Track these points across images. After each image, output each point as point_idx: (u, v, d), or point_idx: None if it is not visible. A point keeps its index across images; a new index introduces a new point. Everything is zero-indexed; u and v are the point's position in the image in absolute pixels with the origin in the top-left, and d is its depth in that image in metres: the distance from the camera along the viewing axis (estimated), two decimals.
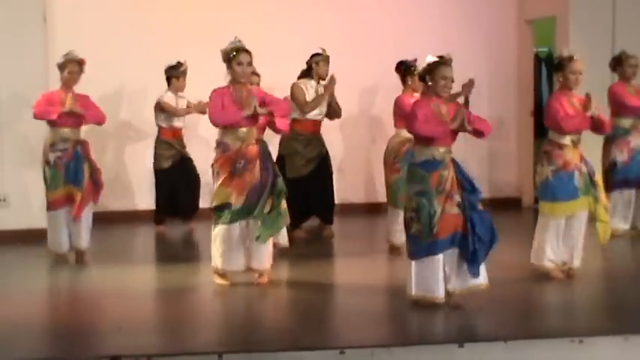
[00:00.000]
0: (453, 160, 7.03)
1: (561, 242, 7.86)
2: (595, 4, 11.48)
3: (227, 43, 7.78)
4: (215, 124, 7.83)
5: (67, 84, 9.10)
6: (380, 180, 9.96)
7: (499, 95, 12.66)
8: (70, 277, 8.78)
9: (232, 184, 7.74)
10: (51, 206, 9.10)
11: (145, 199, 11.81)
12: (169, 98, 10.73)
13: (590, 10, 11.45)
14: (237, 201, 7.75)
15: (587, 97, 7.74)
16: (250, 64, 7.82)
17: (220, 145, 7.83)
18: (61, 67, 9.09)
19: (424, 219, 6.86)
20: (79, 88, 9.19)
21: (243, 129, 7.75)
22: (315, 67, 10.03)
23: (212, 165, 7.89)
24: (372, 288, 7.87)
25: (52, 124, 9.04)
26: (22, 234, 9.89)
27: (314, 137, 10.12)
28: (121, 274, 8.63)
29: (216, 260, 7.88)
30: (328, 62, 10.05)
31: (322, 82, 10.05)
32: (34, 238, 9.68)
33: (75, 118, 9.05)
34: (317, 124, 10.15)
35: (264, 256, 7.89)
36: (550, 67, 13.16)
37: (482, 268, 6.99)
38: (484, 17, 12.54)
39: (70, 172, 9.03)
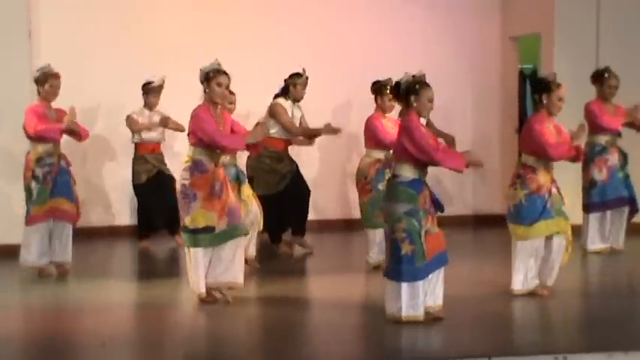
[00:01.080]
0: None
1: (538, 263, 7.88)
2: (579, 21, 11.53)
3: (207, 63, 7.76)
4: (214, 143, 7.65)
5: (48, 98, 9.08)
6: (354, 196, 9.97)
7: (483, 112, 12.68)
8: (54, 293, 8.71)
9: (213, 207, 7.64)
10: (32, 220, 9.04)
11: (124, 214, 11.83)
12: (137, 114, 10.74)
13: (575, 27, 11.49)
14: (220, 223, 7.67)
15: (582, 127, 7.85)
16: (228, 87, 7.85)
17: (198, 164, 7.67)
18: (40, 81, 9.06)
19: (417, 240, 6.84)
20: (61, 102, 9.18)
21: (217, 150, 7.75)
22: (292, 89, 10.02)
23: (184, 185, 7.70)
24: (351, 305, 7.86)
25: (38, 139, 9.01)
26: (4, 248, 9.79)
27: (284, 154, 10.15)
28: (105, 290, 8.61)
29: (198, 284, 7.76)
30: (306, 84, 10.07)
31: (296, 104, 10.08)
32: (16, 252, 9.59)
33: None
34: (288, 142, 10.18)
35: (239, 271, 7.83)
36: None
37: (441, 289, 7.05)
38: (468, 34, 12.57)
39: (59, 186, 9.05)
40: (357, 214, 9.75)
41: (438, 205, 7.07)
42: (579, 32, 11.50)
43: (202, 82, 7.76)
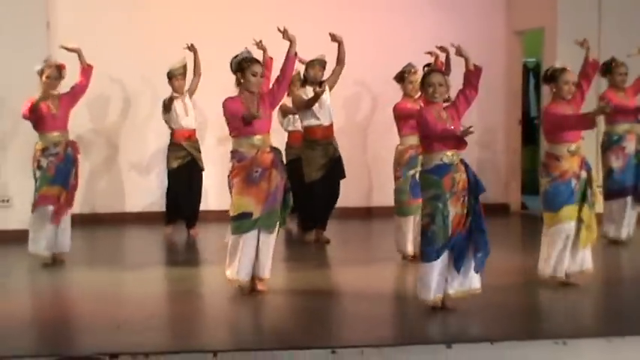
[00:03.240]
0: (463, 162, 7.09)
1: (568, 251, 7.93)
2: (582, 15, 11.67)
3: (238, 52, 7.81)
4: (231, 124, 7.75)
5: (45, 89, 9.04)
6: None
7: (488, 104, 12.74)
8: (71, 277, 8.87)
9: (251, 193, 7.64)
10: (36, 204, 9.08)
11: (139, 201, 12.04)
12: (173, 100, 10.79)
13: (578, 21, 11.59)
14: (257, 210, 7.66)
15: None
16: (263, 75, 7.83)
17: (235, 154, 7.74)
18: (40, 73, 9.08)
19: (439, 221, 6.94)
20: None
21: (258, 136, 7.68)
22: (310, 71, 10.19)
23: (228, 176, 7.79)
24: (368, 291, 7.94)
25: (40, 129, 9.11)
26: (24, 234, 9.96)
27: (326, 143, 10.17)
28: (123, 275, 8.79)
29: (233, 271, 7.74)
30: (322, 66, 10.21)
31: (313, 88, 10.14)
32: None
33: (62, 121, 9.15)
34: (325, 129, 10.14)
35: (268, 266, 7.86)
36: (538, 78, 13.36)
37: (477, 274, 7.15)
38: (474, 28, 12.64)
39: (60, 173, 9.10)
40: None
41: (476, 186, 7.09)
42: (582, 26, 11.57)
43: (235, 73, 7.75)
